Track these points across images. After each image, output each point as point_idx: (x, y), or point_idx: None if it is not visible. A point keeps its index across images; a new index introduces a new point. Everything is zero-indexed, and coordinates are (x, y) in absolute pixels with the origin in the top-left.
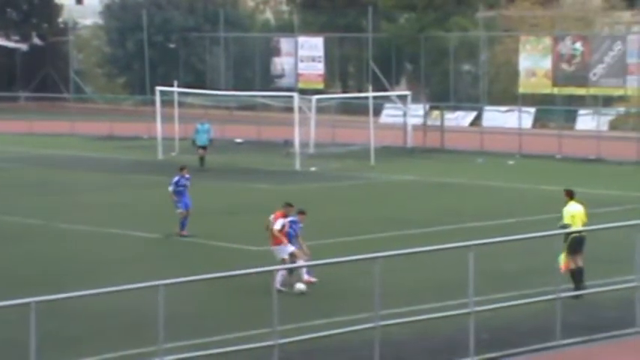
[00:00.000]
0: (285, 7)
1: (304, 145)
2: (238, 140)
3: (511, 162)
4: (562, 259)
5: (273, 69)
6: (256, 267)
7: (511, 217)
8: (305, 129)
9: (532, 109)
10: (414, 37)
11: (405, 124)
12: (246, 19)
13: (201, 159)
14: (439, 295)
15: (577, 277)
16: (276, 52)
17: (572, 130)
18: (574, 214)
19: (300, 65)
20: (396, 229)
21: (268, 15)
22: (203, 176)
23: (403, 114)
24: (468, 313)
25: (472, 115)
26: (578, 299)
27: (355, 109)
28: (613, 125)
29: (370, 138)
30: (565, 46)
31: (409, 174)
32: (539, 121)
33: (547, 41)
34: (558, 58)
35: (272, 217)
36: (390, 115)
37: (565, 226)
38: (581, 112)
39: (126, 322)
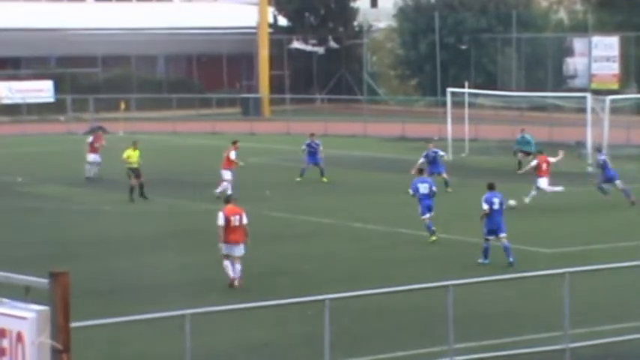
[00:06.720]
0: (579, 7)
1: (597, 146)
2: None
3: None
4: None
5: (566, 69)
6: (547, 269)
7: None
8: (597, 130)
9: None
10: None
11: None
12: (539, 20)
13: (520, 162)
14: None
15: None
16: (569, 52)
17: None
18: None
19: (594, 65)
20: None
21: (562, 15)
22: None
23: None
24: None
25: None
26: None
27: None
28: None
29: None
30: None
31: None
32: None
33: None
34: None
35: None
36: None
37: None
38: None
39: (416, 321)
